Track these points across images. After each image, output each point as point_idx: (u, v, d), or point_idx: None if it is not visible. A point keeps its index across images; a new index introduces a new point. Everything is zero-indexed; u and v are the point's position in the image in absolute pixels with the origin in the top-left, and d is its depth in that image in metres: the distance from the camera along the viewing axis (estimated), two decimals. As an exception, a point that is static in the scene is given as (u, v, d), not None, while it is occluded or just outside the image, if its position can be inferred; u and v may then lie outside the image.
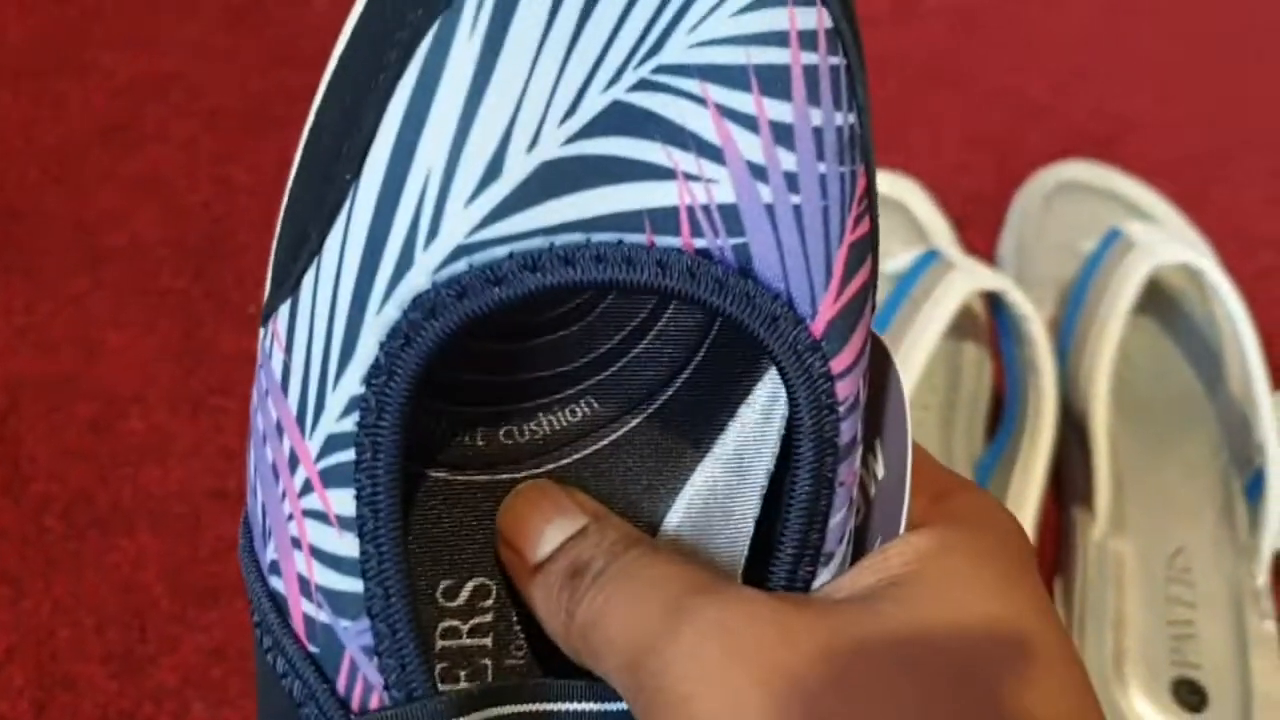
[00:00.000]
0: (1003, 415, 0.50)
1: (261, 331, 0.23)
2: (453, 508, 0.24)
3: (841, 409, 0.21)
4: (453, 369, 0.24)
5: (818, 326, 0.21)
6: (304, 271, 0.21)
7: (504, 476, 0.24)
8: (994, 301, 0.50)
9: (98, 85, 0.55)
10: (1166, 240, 0.50)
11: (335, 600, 0.21)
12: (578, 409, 0.25)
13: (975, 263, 0.49)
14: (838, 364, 0.21)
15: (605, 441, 0.25)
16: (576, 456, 0.25)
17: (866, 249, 0.22)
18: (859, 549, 0.24)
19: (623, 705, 0.21)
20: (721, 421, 0.24)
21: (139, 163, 0.53)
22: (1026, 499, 0.47)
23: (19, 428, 0.48)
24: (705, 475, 0.24)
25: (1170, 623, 0.47)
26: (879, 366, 0.23)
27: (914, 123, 0.58)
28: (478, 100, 0.19)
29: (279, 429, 0.21)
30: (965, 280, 0.48)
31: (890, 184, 0.54)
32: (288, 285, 0.22)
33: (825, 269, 0.20)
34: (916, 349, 0.47)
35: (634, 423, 0.25)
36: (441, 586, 0.24)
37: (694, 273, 0.20)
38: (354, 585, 0.21)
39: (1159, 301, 0.54)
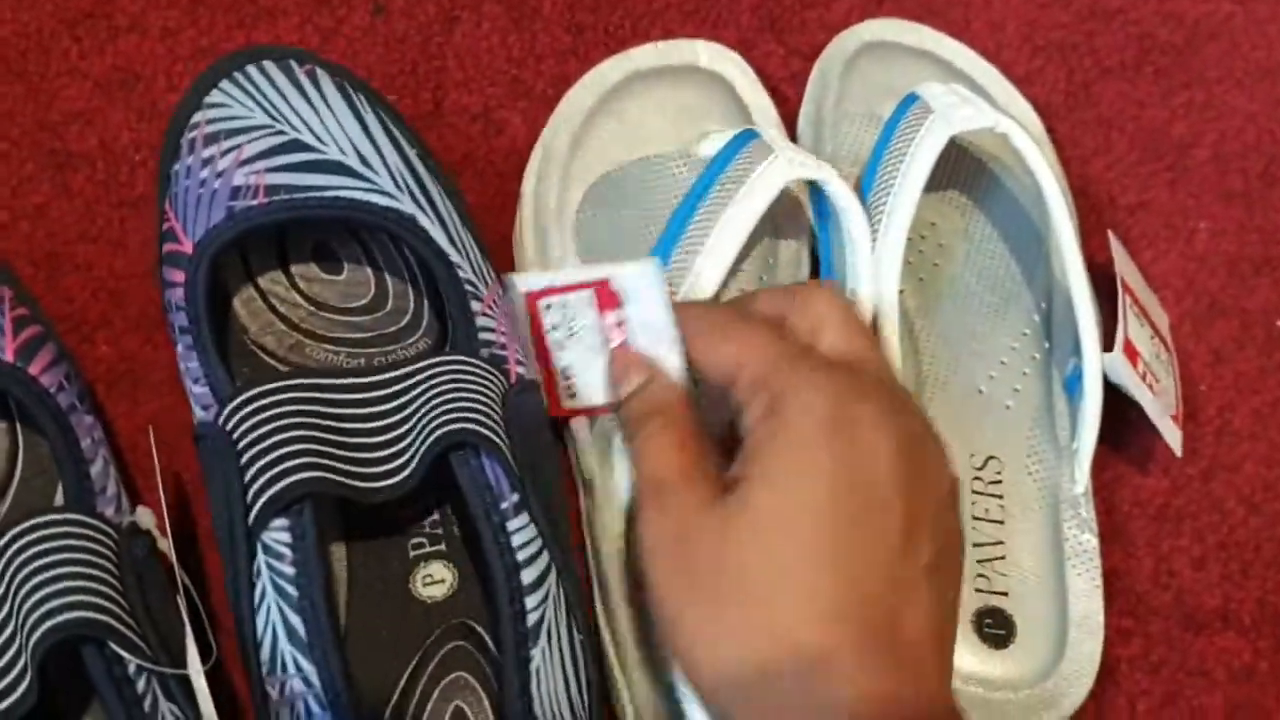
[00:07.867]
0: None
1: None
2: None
3: None
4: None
5: None
6: None
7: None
8: (813, 188, 0.44)
9: (62, -32, 0.48)
10: (968, 103, 0.43)
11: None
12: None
13: (795, 149, 0.43)
14: None
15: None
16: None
17: None
18: None
19: None
20: None
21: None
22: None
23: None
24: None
25: (975, 545, 0.41)
26: None
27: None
28: None
29: None
30: (784, 168, 0.42)
31: (710, 55, 0.47)
32: None
33: None
34: (727, 236, 0.41)
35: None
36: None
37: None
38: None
39: (975, 174, 0.47)
